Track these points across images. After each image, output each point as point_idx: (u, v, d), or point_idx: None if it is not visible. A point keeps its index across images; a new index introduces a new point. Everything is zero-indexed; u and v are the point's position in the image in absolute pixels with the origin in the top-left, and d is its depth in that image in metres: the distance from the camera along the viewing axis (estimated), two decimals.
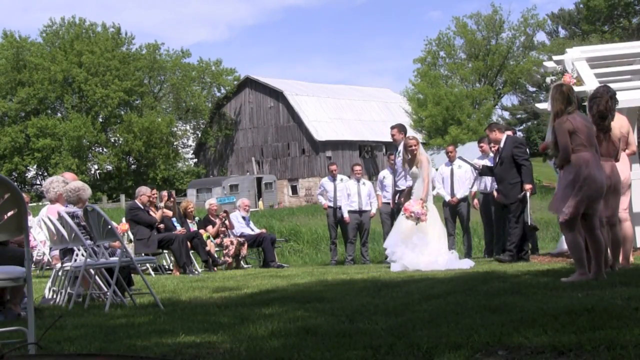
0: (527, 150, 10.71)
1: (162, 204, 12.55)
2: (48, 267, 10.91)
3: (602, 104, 6.75)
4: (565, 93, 6.41)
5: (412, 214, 10.01)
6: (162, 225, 12.08)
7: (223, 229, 13.62)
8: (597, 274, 6.28)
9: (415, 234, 9.64)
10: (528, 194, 10.10)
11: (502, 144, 10.38)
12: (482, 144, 12.57)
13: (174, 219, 12.75)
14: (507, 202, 10.28)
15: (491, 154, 12.29)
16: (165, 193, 13.51)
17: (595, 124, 6.71)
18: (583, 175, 6.25)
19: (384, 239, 13.96)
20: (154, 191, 12.87)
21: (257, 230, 14.48)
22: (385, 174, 13.61)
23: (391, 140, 11.62)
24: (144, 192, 12.09)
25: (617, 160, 6.99)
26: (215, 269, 12.55)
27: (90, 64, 51.93)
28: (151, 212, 12.10)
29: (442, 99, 53.23)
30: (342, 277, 8.80)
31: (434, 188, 12.85)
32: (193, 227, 13.01)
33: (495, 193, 11.03)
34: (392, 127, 10.92)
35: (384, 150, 55.09)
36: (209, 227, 13.36)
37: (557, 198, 6.51)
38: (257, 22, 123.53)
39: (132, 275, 8.18)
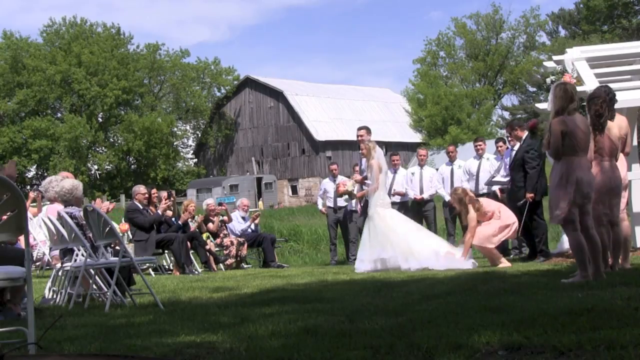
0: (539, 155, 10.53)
1: (162, 206, 12.45)
2: (48, 267, 10.91)
3: (599, 103, 6.79)
4: (569, 92, 6.46)
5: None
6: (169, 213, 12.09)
7: (224, 219, 13.64)
8: (595, 274, 6.29)
9: (377, 239, 9.72)
10: (528, 202, 10.12)
11: (520, 143, 10.57)
12: (478, 144, 12.66)
13: (173, 219, 12.74)
14: (512, 204, 10.42)
15: (487, 155, 12.42)
16: (165, 193, 13.50)
17: (593, 124, 6.75)
18: (571, 179, 6.30)
19: None
20: (154, 190, 12.84)
21: (257, 228, 14.52)
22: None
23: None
24: (138, 191, 12.07)
25: (616, 160, 7.02)
26: (215, 268, 12.55)
27: (89, 64, 51.94)
28: (151, 213, 12.08)
29: (441, 99, 53.28)
30: (342, 277, 8.80)
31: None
32: (193, 226, 13.00)
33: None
34: (360, 129, 11.01)
35: (384, 150, 55.00)
36: (209, 225, 13.37)
37: (550, 204, 6.61)
38: (257, 22, 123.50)
39: (133, 275, 8.17)
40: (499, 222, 9.83)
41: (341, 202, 13.89)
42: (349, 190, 10.60)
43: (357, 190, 10.97)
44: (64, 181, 7.79)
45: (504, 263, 9.64)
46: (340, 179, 14.21)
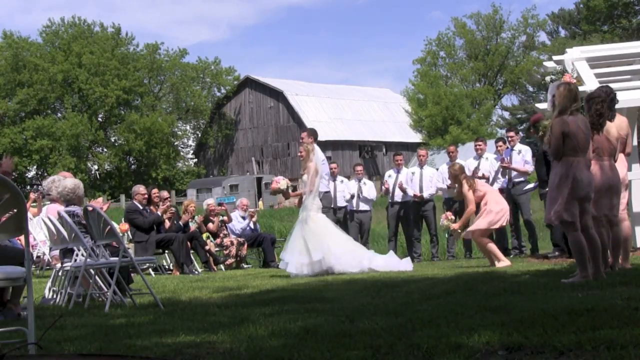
0: None
1: (162, 207, 12.42)
2: (48, 267, 10.91)
3: (599, 102, 6.81)
4: (573, 91, 6.53)
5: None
6: (167, 224, 12.08)
7: (224, 220, 13.64)
8: (595, 273, 6.30)
9: (318, 241, 9.63)
10: None
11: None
12: (478, 144, 12.72)
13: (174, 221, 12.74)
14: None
15: (487, 154, 12.45)
16: (165, 193, 13.49)
17: (592, 123, 6.77)
18: (571, 179, 6.32)
19: (388, 238, 14.03)
20: (155, 190, 12.80)
21: (257, 228, 14.52)
22: (390, 173, 13.73)
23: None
24: (138, 191, 12.08)
25: (615, 160, 7.03)
26: (215, 268, 12.55)
27: (90, 64, 51.98)
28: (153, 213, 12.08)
29: (442, 99, 53.30)
30: (342, 277, 8.80)
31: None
32: (193, 226, 13.00)
33: None
34: (304, 131, 11.00)
35: (384, 150, 55.08)
36: (209, 225, 13.36)
37: (547, 203, 6.63)
38: (257, 22, 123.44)
39: (132, 275, 8.18)
40: (488, 217, 9.90)
41: (341, 202, 13.90)
42: (282, 188, 10.56)
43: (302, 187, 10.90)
44: (66, 180, 7.81)
45: (504, 262, 9.66)
46: (340, 179, 14.23)
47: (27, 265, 4.21)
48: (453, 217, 10.19)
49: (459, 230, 10.23)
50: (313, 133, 10.65)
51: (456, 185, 10.14)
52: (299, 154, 10.57)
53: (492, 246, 9.98)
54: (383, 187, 13.78)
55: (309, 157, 10.03)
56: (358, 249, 10.00)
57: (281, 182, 10.53)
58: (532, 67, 55.75)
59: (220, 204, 14.70)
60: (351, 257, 9.57)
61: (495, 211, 9.89)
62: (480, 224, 9.84)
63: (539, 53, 57.43)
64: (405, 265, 9.81)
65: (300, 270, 9.47)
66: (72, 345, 4.27)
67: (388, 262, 9.77)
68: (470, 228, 9.88)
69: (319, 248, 9.54)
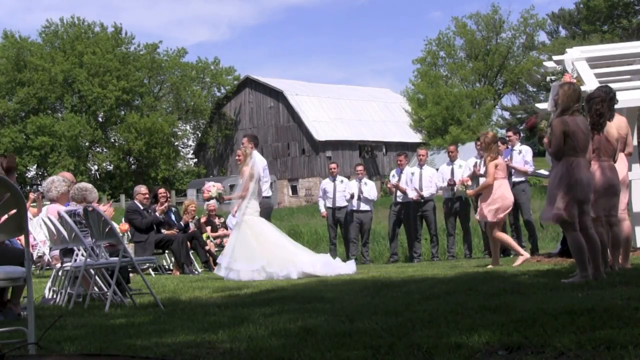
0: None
1: (160, 207, 12.41)
2: (48, 267, 10.91)
3: (598, 102, 6.82)
4: (577, 91, 6.58)
5: None
6: (167, 231, 12.06)
7: (222, 229, 13.61)
8: (595, 273, 6.30)
9: (249, 247, 9.48)
10: None
11: None
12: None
13: (172, 217, 12.74)
14: None
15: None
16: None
17: (592, 123, 6.78)
18: (571, 179, 6.33)
19: (389, 237, 14.03)
20: (162, 190, 12.79)
21: None
22: (393, 173, 13.77)
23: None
24: (139, 191, 12.10)
25: (614, 160, 7.04)
26: (215, 268, 12.54)
27: (91, 64, 51.98)
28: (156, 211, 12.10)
29: (442, 99, 53.31)
30: (342, 277, 8.80)
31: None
32: (193, 227, 12.99)
33: None
34: (244, 136, 11.02)
35: (384, 150, 55.07)
36: (209, 228, 13.35)
37: (546, 203, 6.64)
38: (257, 22, 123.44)
39: (132, 275, 8.18)
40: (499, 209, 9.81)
41: (341, 202, 13.92)
42: (213, 196, 10.51)
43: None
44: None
45: (524, 255, 9.65)
46: (340, 179, 14.23)
47: (27, 265, 4.21)
48: (470, 183, 10.17)
49: (473, 197, 10.23)
50: (254, 139, 10.76)
51: (486, 152, 9.95)
52: (236, 157, 10.57)
53: (509, 239, 9.96)
54: (387, 187, 13.79)
55: (245, 162, 9.99)
56: (287, 255, 9.51)
57: (212, 189, 10.52)
58: (532, 67, 55.74)
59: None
60: (277, 266, 9.30)
61: (505, 195, 9.80)
62: (498, 213, 9.73)
63: (539, 53, 57.40)
64: (346, 268, 9.58)
65: (233, 275, 9.28)
66: (72, 345, 4.28)
67: (323, 265, 9.45)
68: (489, 219, 9.73)
69: (254, 254, 9.37)
